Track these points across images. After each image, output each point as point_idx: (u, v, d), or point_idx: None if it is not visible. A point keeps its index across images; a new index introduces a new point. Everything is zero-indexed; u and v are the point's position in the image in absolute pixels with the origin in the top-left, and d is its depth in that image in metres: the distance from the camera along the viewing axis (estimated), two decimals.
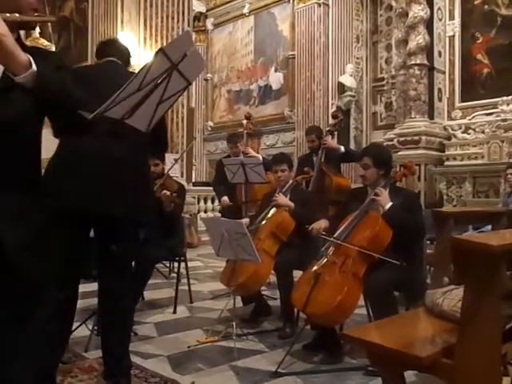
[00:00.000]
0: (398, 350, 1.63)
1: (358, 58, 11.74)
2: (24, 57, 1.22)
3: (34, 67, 1.23)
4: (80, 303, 3.08)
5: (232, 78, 14.05)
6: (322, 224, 3.30)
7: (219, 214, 9.27)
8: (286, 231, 3.70)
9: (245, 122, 7.11)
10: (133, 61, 8.05)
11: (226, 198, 5.32)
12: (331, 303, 2.74)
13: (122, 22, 8.00)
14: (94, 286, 3.34)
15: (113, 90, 1.27)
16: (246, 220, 4.19)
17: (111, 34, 8.03)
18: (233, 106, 14.03)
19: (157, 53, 1.22)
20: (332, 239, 3.05)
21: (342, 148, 5.11)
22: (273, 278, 4.02)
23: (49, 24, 9.34)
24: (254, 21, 13.33)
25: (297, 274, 3.43)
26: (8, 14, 1.24)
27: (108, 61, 2.63)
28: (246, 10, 13.43)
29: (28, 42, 1.95)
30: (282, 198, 3.85)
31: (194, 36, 10.05)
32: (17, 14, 1.28)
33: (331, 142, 5.09)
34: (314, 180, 4.83)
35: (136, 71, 1.31)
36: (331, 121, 5.84)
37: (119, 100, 1.23)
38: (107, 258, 2.45)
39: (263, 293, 4.33)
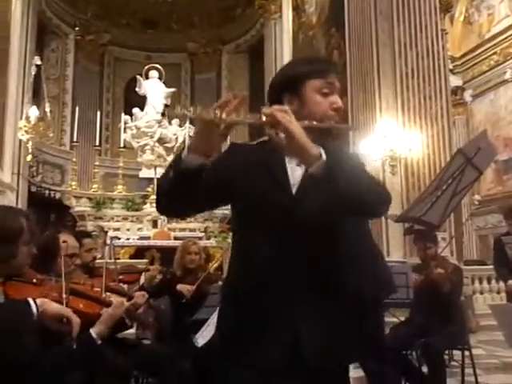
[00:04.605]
0: None
1: None
2: (315, 149, 1.33)
3: (324, 157, 1.32)
4: None
5: (498, 147, 13.10)
6: None
7: (497, 295, 8.43)
8: None
9: None
10: (391, 144, 8.06)
11: (511, 282, 4.85)
12: None
13: (380, 110, 8.32)
14: None
15: None
16: None
17: (371, 122, 8.41)
18: (501, 176, 12.97)
19: (455, 153, 1.28)
20: None
21: None
22: None
23: None
24: None
25: None
26: (306, 122, 1.38)
27: None
28: (508, 76, 12.65)
29: None
30: None
31: (452, 110, 9.78)
32: (314, 122, 1.41)
33: None
34: None
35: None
36: None
37: (418, 202, 1.30)
38: None
39: None
